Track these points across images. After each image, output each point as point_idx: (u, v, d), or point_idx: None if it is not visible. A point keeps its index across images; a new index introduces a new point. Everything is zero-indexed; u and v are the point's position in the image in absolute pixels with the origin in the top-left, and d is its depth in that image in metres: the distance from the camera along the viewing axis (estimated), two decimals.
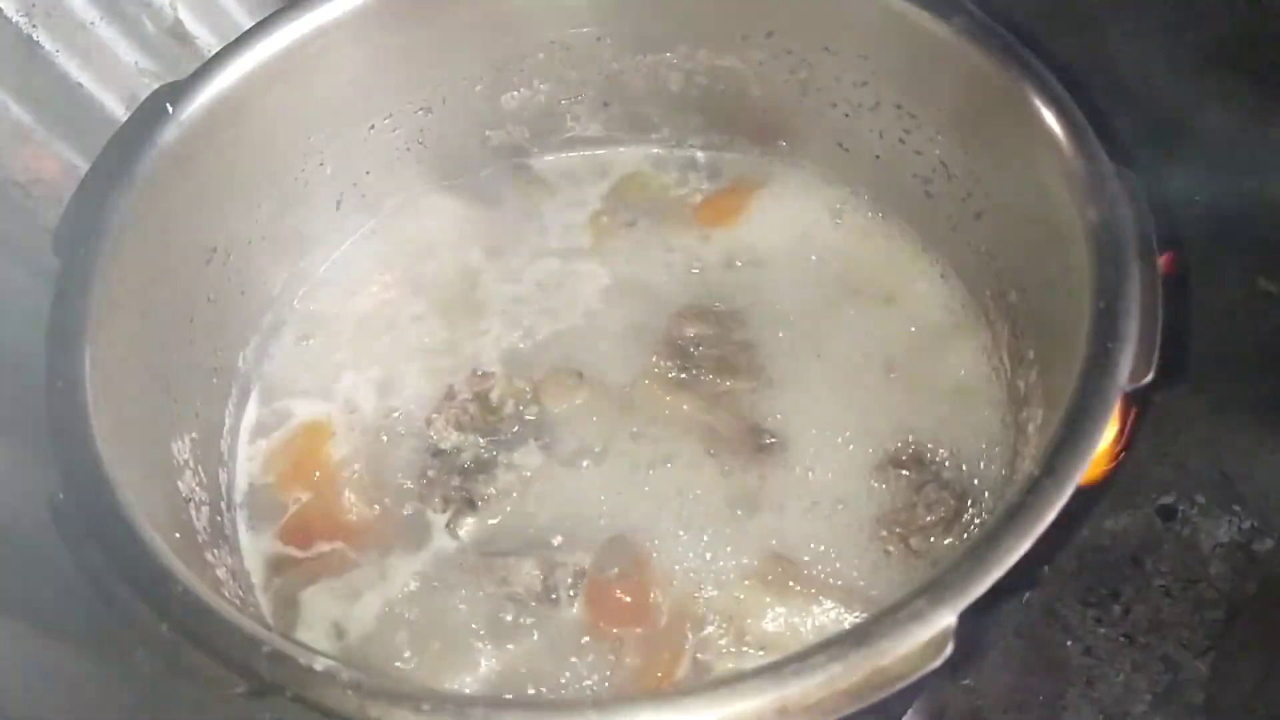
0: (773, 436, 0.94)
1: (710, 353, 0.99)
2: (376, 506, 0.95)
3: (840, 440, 0.93)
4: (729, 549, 0.89)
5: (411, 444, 0.97)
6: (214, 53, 0.91)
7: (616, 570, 0.87)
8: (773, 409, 0.96)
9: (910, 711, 1.03)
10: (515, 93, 1.08)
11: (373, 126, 1.03)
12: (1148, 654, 1.05)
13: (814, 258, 1.05)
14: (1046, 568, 1.09)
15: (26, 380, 0.77)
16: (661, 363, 0.98)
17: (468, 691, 0.83)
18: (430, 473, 0.95)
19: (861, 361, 0.98)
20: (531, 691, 0.84)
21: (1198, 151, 1.29)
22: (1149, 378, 0.71)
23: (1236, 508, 1.12)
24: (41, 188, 1.09)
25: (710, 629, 0.86)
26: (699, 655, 0.85)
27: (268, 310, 1.04)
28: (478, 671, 0.85)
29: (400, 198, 1.11)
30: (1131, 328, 0.72)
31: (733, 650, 0.85)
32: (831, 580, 0.87)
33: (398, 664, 0.86)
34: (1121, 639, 1.06)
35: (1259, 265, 1.24)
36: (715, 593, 0.87)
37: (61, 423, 0.74)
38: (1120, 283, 0.74)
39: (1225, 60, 1.31)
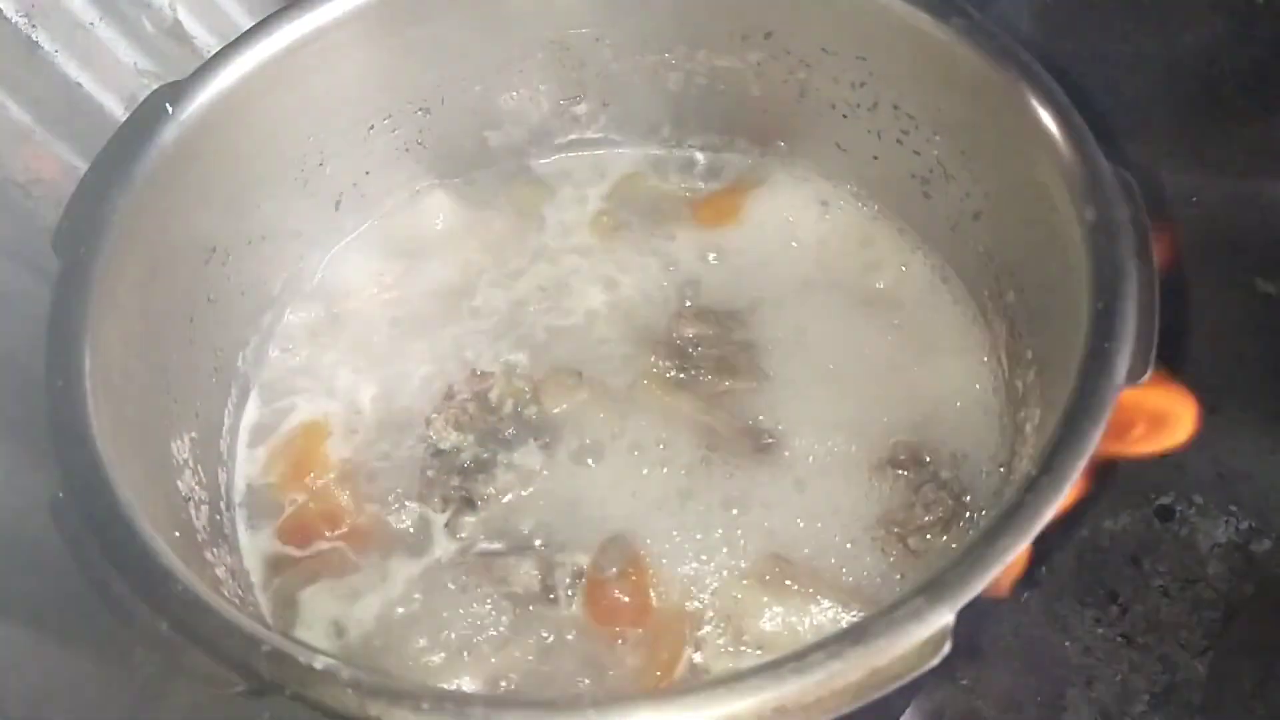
0: (771, 436, 0.94)
1: (709, 353, 0.99)
2: (376, 506, 0.95)
3: (839, 440, 0.93)
4: (727, 549, 0.89)
5: (411, 444, 0.98)
6: (213, 53, 0.91)
7: (615, 570, 0.87)
8: (771, 409, 0.96)
9: (909, 711, 1.03)
10: (515, 93, 1.08)
11: (372, 127, 1.04)
12: (1146, 654, 1.05)
13: (812, 258, 1.05)
14: (1044, 568, 1.10)
15: (26, 380, 0.77)
16: (660, 363, 0.99)
17: (467, 690, 0.84)
18: (429, 472, 0.95)
19: (860, 362, 0.98)
20: (530, 691, 0.84)
21: (1197, 152, 1.29)
22: (1146, 377, 0.71)
23: (1234, 508, 1.12)
24: (41, 188, 1.09)
25: (708, 628, 0.86)
26: (697, 655, 0.86)
27: (267, 310, 1.04)
28: (477, 670, 0.85)
29: (400, 198, 1.11)
30: (1129, 328, 0.72)
31: (731, 650, 0.85)
32: (829, 580, 0.87)
33: (397, 663, 0.86)
34: (1120, 639, 1.06)
35: (1257, 266, 1.25)
36: (713, 592, 0.87)
37: (61, 422, 0.74)
38: (1118, 283, 0.74)
39: (1225, 61, 1.31)
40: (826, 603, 0.85)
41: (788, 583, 0.86)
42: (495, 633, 0.86)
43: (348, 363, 1.03)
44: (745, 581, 0.87)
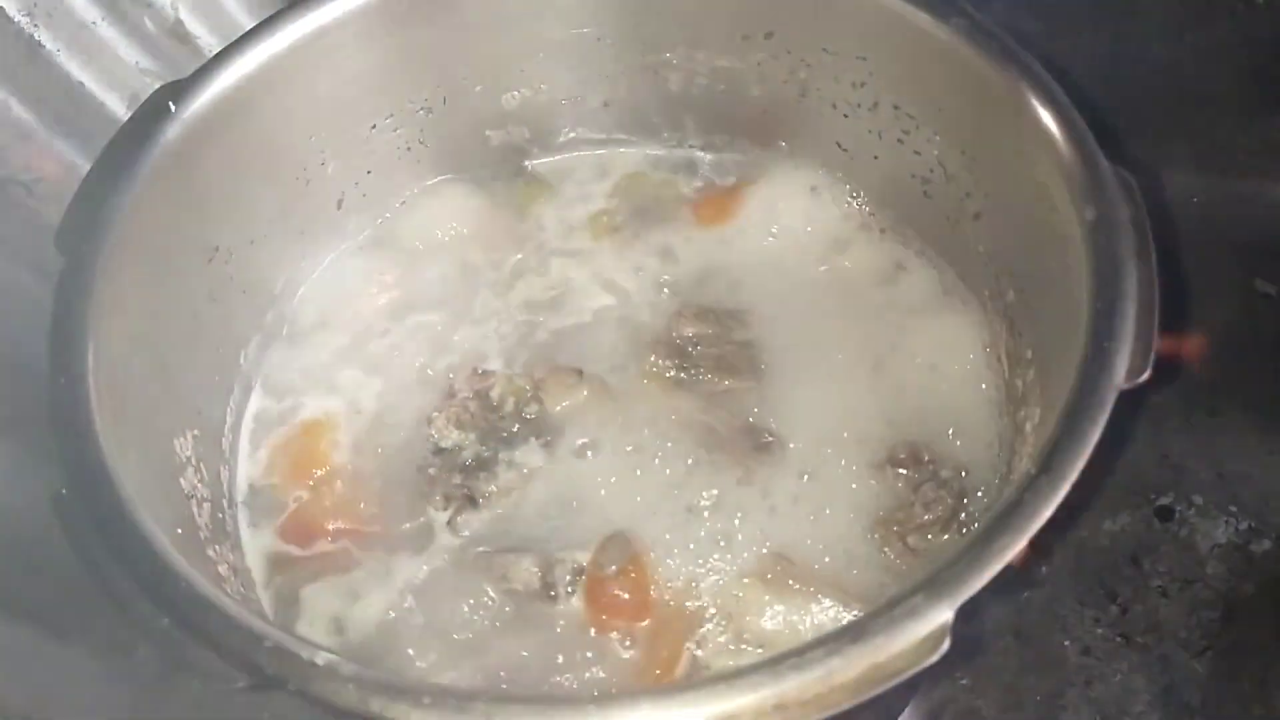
0: (770, 435, 0.94)
1: (709, 352, 0.99)
2: (377, 504, 0.95)
3: (839, 439, 0.94)
4: (727, 547, 0.89)
5: (412, 442, 0.98)
6: (215, 52, 0.92)
7: (615, 567, 0.87)
8: (771, 408, 0.96)
9: (908, 710, 1.03)
10: (516, 92, 1.08)
11: (374, 126, 1.04)
12: (1145, 654, 1.05)
13: (812, 258, 1.05)
14: (1044, 568, 1.10)
15: (29, 378, 0.77)
16: (660, 362, 0.99)
17: (468, 687, 0.84)
18: (431, 470, 0.95)
19: (860, 361, 0.98)
20: (531, 687, 0.84)
21: (1197, 152, 1.30)
22: (1145, 377, 0.71)
23: (1234, 509, 1.12)
24: (43, 187, 1.09)
25: (709, 626, 0.86)
26: (697, 652, 0.86)
27: (269, 309, 1.04)
28: (478, 667, 0.85)
29: (401, 197, 1.12)
30: (1128, 327, 0.72)
31: (731, 647, 0.86)
32: (830, 578, 0.87)
33: (398, 660, 0.86)
34: (1119, 639, 1.06)
35: (1257, 266, 1.25)
36: (714, 590, 0.87)
37: (64, 419, 0.74)
38: (1118, 282, 0.74)
39: (1225, 61, 1.31)
40: (828, 601, 0.85)
41: (789, 581, 0.86)
42: (496, 629, 0.87)
43: (349, 361, 1.03)
44: (746, 580, 0.87)
